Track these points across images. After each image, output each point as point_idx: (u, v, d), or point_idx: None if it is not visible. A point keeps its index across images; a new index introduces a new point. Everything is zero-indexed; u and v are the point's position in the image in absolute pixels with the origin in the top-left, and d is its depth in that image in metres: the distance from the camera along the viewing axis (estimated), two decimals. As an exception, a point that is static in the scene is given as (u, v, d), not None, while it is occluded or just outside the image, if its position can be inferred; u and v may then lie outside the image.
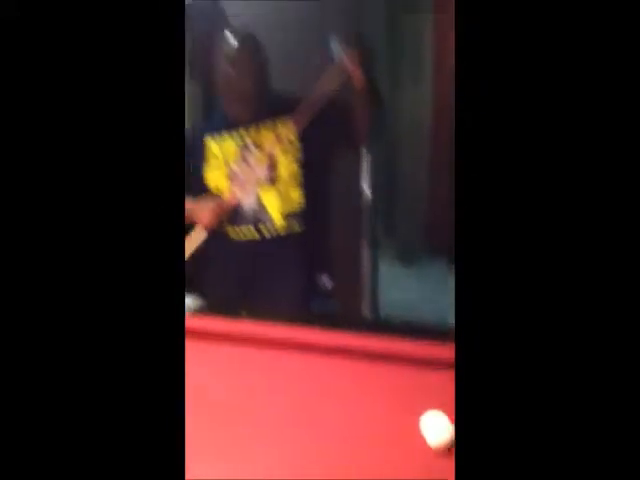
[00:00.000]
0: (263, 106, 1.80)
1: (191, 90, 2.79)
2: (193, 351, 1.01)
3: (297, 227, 1.78)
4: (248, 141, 1.79)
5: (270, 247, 1.79)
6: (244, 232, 1.78)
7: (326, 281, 1.88)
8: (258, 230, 1.77)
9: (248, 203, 1.77)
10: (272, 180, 1.77)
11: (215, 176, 1.81)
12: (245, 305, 1.74)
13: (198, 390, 1.08)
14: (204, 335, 1.33)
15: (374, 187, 2.57)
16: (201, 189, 1.81)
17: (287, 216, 1.77)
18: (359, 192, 2.58)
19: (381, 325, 2.46)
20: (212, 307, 1.70)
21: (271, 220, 1.77)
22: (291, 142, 1.77)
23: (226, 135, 1.82)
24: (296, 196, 1.78)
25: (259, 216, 1.77)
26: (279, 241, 1.78)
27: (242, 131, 1.80)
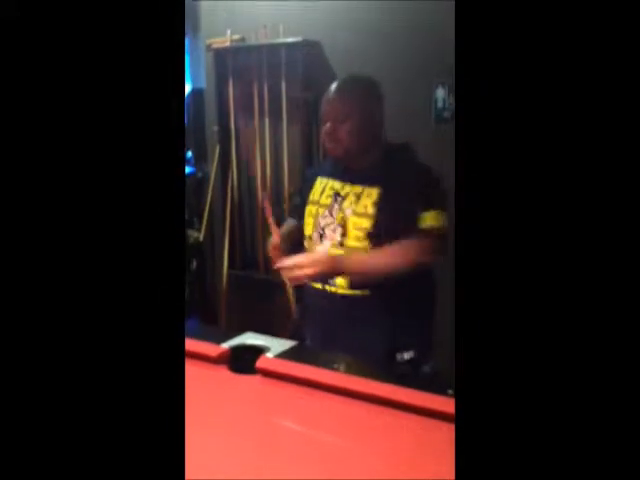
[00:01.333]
0: (365, 157, 1.71)
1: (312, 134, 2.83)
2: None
3: (364, 292, 1.68)
4: (338, 197, 1.72)
5: (348, 302, 1.70)
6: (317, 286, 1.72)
7: (405, 354, 1.78)
8: (324, 289, 1.71)
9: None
10: (341, 244, 1.68)
11: (307, 221, 1.78)
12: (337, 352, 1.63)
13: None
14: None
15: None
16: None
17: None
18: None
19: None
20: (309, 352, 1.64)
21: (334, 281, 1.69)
22: (366, 213, 1.65)
23: (326, 180, 1.78)
24: None
25: None
26: (351, 300, 1.69)
27: (337, 183, 1.74)
